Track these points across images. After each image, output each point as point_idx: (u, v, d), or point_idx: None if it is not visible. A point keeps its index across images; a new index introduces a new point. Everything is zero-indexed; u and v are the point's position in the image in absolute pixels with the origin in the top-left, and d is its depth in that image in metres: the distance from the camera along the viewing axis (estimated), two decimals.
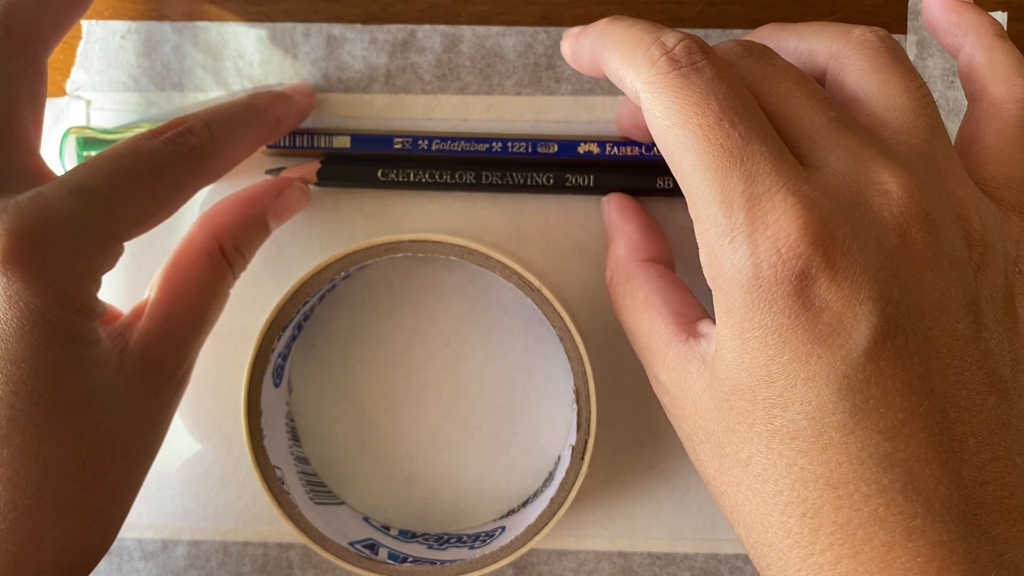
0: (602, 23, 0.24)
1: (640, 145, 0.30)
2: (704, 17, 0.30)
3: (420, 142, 0.30)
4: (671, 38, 0.21)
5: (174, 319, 0.25)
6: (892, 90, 0.22)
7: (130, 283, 0.31)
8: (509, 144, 0.30)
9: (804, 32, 0.24)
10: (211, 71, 0.31)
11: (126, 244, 0.24)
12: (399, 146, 0.30)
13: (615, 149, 0.30)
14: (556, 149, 0.30)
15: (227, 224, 0.27)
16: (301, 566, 0.31)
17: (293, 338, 0.30)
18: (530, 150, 0.30)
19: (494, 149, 0.30)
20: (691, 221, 0.31)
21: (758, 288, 0.19)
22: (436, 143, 0.30)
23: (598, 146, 0.30)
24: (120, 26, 0.31)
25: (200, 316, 0.26)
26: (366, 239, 0.28)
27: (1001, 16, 0.30)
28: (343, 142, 0.30)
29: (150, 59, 0.31)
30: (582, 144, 0.30)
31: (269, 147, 0.30)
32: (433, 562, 0.28)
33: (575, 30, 0.25)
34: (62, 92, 0.31)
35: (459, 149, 0.30)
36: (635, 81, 0.21)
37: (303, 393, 0.32)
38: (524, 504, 0.31)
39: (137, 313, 0.25)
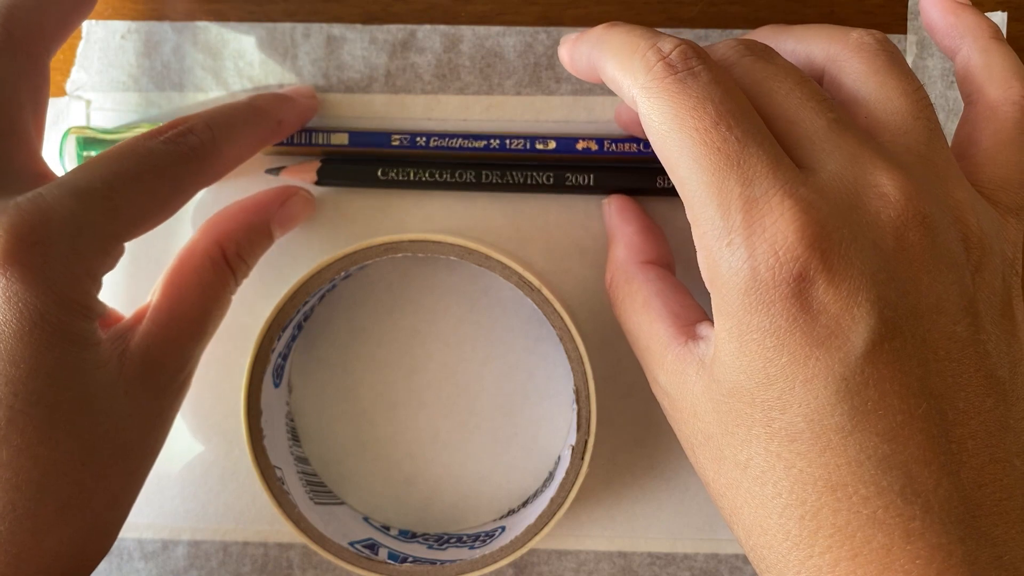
0: (599, 29, 0.24)
1: (638, 142, 0.30)
2: (704, 17, 0.30)
3: (418, 139, 0.30)
4: (667, 44, 0.21)
5: (175, 323, 0.25)
6: (890, 93, 0.22)
7: (131, 286, 0.31)
8: (507, 141, 0.30)
9: (802, 34, 0.24)
10: (211, 71, 0.31)
11: (128, 247, 0.24)
12: (397, 143, 0.30)
13: (613, 146, 0.30)
14: (554, 146, 0.30)
15: (231, 231, 0.27)
16: (301, 566, 0.31)
17: (293, 338, 0.30)
18: (528, 146, 0.30)
19: (492, 146, 0.30)
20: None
21: (756, 291, 0.19)
22: (434, 140, 0.30)
23: (596, 143, 0.30)
24: (120, 26, 0.31)
25: (202, 321, 0.26)
26: (366, 239, 0.28)
27: (1001, 16, 0.30)
28: (341, 139, 0.30)
29: (150, 59, 0.31)
30: (580, 141, 0.30)
31: None
32: (433, 562, 0.28)
33: (572, 36, 0.25)
34: (62, 92, 0.31)
35: (457, 146, 0.30)
36: (632, 87, 0.21)
37: (303, 393, 0.32)
38: (524, 504, 0.31)
39: (139, 317, 0.25)
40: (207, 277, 0.26)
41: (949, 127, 0.30)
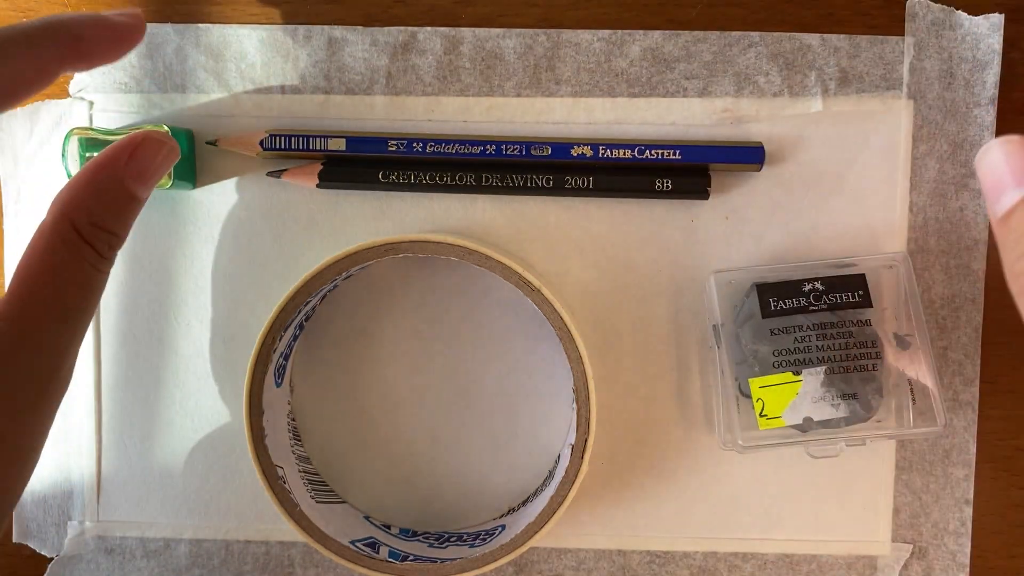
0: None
1: (632, 148, 0.30)
2: (703, 19, 0.30)
3: (415, 145, 0.30)
4: None
5: (29, 315, 0.22)
6: None
7: (132, 289, 0.31)
8: (504, 146, 0.30)
9: None
10: (213, 73, 0.31)
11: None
12: (394, 148, 0.30)
13: (608, 152, 0.30)
14: (550, 152, 0.30)
15: (76, 199, 0.23)
16: (303, 564, 0.32)
17: (295, 338, 0.30)
18: (524, 152, 0.30)
19: (488, 152, 0.30)
20: (690, 222, 0.32)
21: None
22: (431, 146, 0.30)
23: (591, 148, 0.30)
24: None
25: (60, 308, 0.23)
26: (367, 239, 0.28)
27: (998, 18, 0.30)
28: (338, 144, 0.30)
29: (152, 61, 0.31)
30: (575, 147, 0.30)
31: (266, 149, 0.30)
32: (434, 560, 0.28)
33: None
34: (65, 93, 0.31)
35: (453, 152, 0.30)
36: None
37: (305, 392, 0.32)
38: (524, 503, 0.31)
39: None
40: (59, 257, 0.23)
41: (948, 127, 0.30)
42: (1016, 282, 0.21)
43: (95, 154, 0.30)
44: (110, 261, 0.24)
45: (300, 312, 0.29)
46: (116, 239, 0.24)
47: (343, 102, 0.31)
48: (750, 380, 0.29)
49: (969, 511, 0.31)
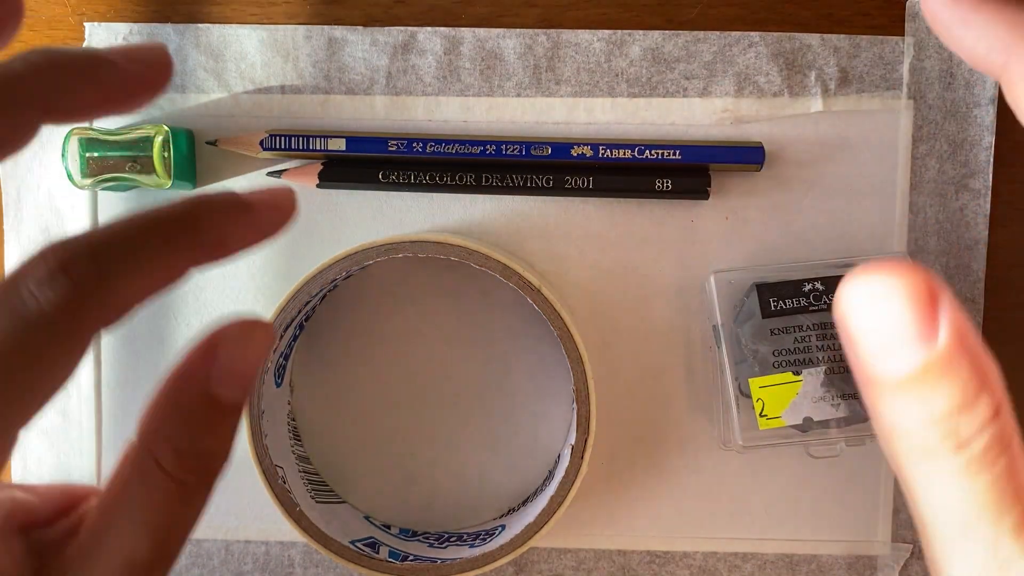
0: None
1: (632, 148, 0.30)
2: (703, 19, 0.31)
3: (415, 145, 0.30)
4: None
5: (95, 561, 0.18)
6: None
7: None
8: (504, 146, 0.30)
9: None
10: (213, 73, 0.31)
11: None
12: (394, 148, 0.30)
13: (608, 152, 0.30)
14: (549, 152, 0.30)
15: (156, 427, 0.18)
16: (303, 564, 0.32)
17: (295, 338, 0.30)
18: (524, 152, 0.30)
19: (488, 152, 0.30)
20: (690, 222, 0.32)
21: None
22: (431, 146, 0.30)
23: (591, 148, 0.30)
24: (122, 28, 0.31)
25: (133, 558, 0.18)
26: (367, 239, 0.28)
27: None
28: (338, 144, 0.30)
29: None
30: (575, 147, 0.30)
31: (266, 149, 0.30)
32: (434, 560, 0.29)
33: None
34: None
35: (454, 152, 0.30)
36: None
37: (304, 392, 0.32)
38: (524, 503, 0.31)
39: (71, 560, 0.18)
40: (141, 501, 0.18)
41: (947, 127, 0.30)
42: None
43: (95, 154, 0.30)
44: (210, 486, 0.19)
45: (300, 312, 0.29)
46: (215, 459, 0.19)
47: (343, 102, 0.31)
48: (750, 380, 0.29)
49: None
